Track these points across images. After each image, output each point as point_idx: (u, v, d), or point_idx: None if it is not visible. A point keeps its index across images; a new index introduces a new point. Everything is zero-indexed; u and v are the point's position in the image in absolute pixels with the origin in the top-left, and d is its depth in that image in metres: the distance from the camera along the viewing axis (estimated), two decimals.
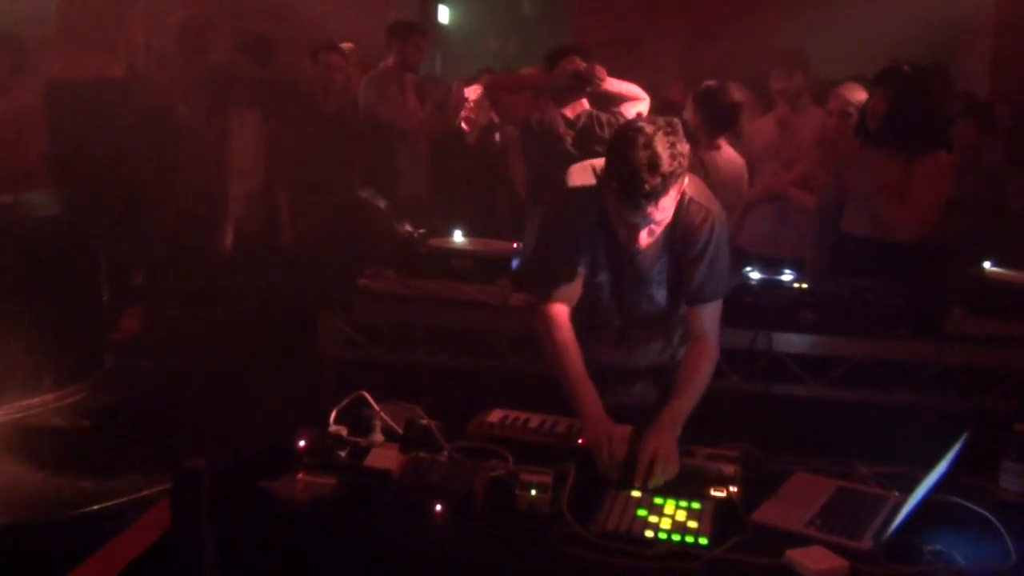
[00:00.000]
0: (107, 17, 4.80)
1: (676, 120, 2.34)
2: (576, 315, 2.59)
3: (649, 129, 2.25)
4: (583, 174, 2.54)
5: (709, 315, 2.55)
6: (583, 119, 4.25)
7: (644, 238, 2.39)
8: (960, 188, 4.08)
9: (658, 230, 2.40)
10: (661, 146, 2.22)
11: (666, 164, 2.22)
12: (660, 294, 2.61)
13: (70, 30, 4.84)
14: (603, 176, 2.40)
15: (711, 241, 2.49)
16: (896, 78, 3.78)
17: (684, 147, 2.28)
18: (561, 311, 2.56)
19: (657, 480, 2.19)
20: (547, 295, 2.56)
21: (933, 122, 3.75)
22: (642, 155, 2.22)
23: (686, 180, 2.40)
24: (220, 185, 5.02)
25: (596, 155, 2.56)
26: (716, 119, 4.19)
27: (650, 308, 2.64)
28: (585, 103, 4.31)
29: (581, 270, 2.55)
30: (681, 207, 2.45)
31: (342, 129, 5.36)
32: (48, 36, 4.91)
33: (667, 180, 2.24)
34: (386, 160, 5.60)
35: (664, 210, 2.32)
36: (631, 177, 2.24)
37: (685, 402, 2.42)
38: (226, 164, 5.01)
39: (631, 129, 2.28)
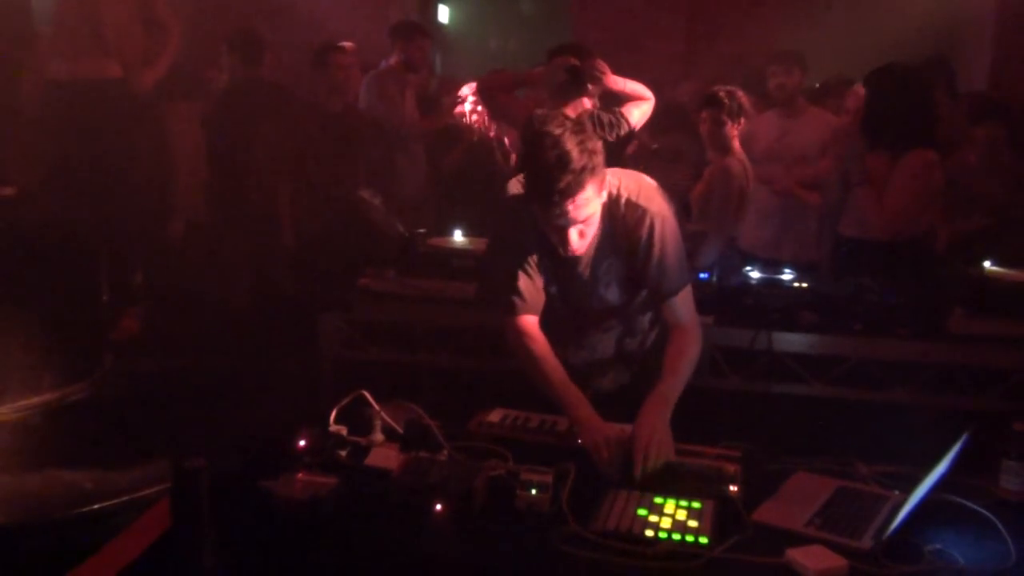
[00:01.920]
0: (102, 18, 4.80)
1: (586, 120, 2.42)
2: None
3: (557, 131, 2.29)
4: (517, 186, 2.55)
5: (680, 305, 2.57)
6: (583, 119, 4.23)
7: (575, 240, 2.39)
8: (980, 188, 4.04)
9: (589, 230, 2.42)
10: (570, 144, 2.26)
11: (576, 160, 2.25)
12: (611, 293, 2.63)
13: (66, 32, 4.84)
14: (524, 185, 2.43)
15: (654, 241, 2.50)
16: (874, 77, 3.78)
17: (595, 144, 2.32)
18: (530, 322, 2.57)
19: (654, 463, 2.20)
20: (513, 309, 2.56)
21: (911, 119, 3.72)
22: (551, 155, 2.26)
23: (614, 179, 2.45)
24: (167, 177, 5.10)
25: None
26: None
27: (602, 306, 2.66)
28: (586, 103, 4.30)
29: (538, 278, 2.57)
30: (616, 208, 2.48)
31: (347, 128, 5.35)
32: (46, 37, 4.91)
33: (579, 175, 2.26)
34: (384, 160, 5.60)
35: (584, 207, 2.32)
36: (543, 177, 2.28)
37: (671, 384, 2.44)
38: (168, 156, 5.05)
39: (539, 134, 2.33)
